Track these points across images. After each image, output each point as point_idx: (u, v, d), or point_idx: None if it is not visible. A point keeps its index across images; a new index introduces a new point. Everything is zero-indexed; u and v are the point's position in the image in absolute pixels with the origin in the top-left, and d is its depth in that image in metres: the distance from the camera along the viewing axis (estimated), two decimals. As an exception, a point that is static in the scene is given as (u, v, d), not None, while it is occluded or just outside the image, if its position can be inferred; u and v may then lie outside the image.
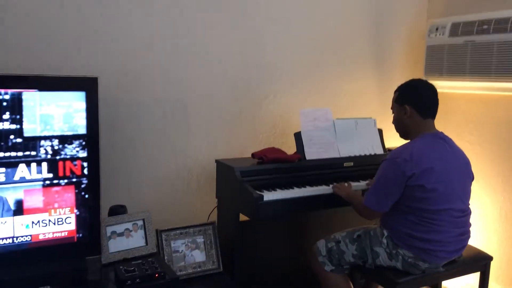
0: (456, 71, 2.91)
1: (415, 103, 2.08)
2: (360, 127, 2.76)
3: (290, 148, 2.73)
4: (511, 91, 2.67)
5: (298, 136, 2.58)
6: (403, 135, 2.20)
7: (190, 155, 2.62)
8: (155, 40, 2.46)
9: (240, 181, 2.30)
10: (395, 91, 2.20)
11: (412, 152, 1.97)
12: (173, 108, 2.54)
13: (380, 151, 2.78)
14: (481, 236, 2.83)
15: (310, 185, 2.43)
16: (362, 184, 2.53)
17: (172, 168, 2.58)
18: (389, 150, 2.87)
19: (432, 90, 2.11)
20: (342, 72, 3.07)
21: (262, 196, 2.21)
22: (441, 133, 2.10)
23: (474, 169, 2.17)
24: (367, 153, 2.74)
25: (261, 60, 2.77)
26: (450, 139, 2.11)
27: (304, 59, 2.92)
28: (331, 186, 2.39)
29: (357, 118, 2.78)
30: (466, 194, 2.08)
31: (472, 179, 2.14)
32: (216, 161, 2.51)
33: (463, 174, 2.07)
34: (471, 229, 2.13)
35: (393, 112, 2.21)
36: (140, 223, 2.16)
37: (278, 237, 2.63)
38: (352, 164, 2.66)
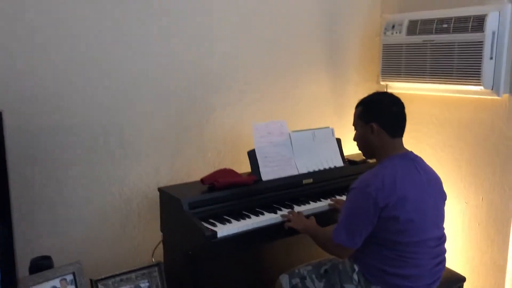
0: (416, 72, 2.72)
1: (382, 122, 1.84)
2: (318, 138, 2.52)
3: (243, 165, 2.45)
4: (474, 93, 2.51)
5: (252, 154, 2.29)
6: (368, 155, 1.97)
7: (127, 184, 2.26)
8: (78, 54, 2.06)
9: (189, 215, 1.99)
10: (358, 105, 1.95)
11: (384, 179, 1.74)
12: (106, 132, 2.17)
13: (339, 163, 2.56)
14: (447, 246, 2.69)
15: (269, 210, 2.15)
16: (323, 203, 2.29)
17: (107, 200, 2.21)
18: (349, 160, 2.66)
19: (400, 106, 1.88)
20: (296, 76, 2.80)
21: (215, 233, 1.91)
22: (411, 152, 1.89)
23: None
24: (327, 167, 2.51)
25: (207, 69, 2.44)
26: (420, 159, 1.90)
27: (254, 64, 2.62)
28: (279, 215, 2.11)
29: (314, 129, 2.53)
30: (441, 218, 1.89)
31: (445, 199, 1.95)
32: (159, 189, 2.18)
33: (436, 198, 1.87)
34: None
35: (356, 129, 1.96)
36: (69, 277, 1.80)
37: (236, 271, 2.33)
38: (311, 180, 2.42)
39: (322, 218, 2.19)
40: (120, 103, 2.18)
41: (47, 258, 1.83)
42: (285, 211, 2.15)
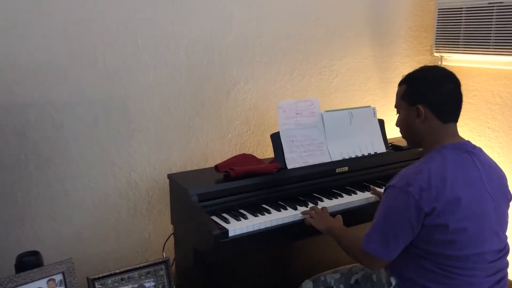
0: (477, 41, 2.28)
1: (431, 103, 1.47)
2: (356, 119, 2.16)
3: (269, 149, 2.15)
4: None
5: (275, 138, 1.97)
6: (413, 143, 1.60)
7: (135, 168, 2.01)
8: (72, 16, 1.79)
9: (197, 208, 1.71)
10: (402, 82, 1.57)
11: (431, 177, 1.37)
12: (108, 109, 1.91)
13: (381, 148, 2.19)
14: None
15: (292, 204, 1.84)
16: (360, 197, 1.94)
17: (112, 187, 1.98)
18: (392, 145, 2.28)
19: (455, 83, 1.49)
20: (333, 47, 2.42)
21: (225, 232, 1.63)
22: (467, 143, 1.50)
23: (498, 163, 1.57)
24: (366, 153, 2.15)
25: (227, 36, 2.12)
26: (480, 150, 1.51)
27: (284, 31, 2.26)
28: (299, 212, 1.79)
29: (351, 108, 2.16)
30: (503, 225, 1.51)
31: (510, 200, 1.56)
32: (169, 176, 1.91)
33: (499, 200, 1.48)
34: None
35: (398, 112, 1.60)
36: (58, 278, 1.58)
37: (252, 273, 2.03)
38: (346, 169, 2.07)
39: (357, 215, 1.87)
40: (122, 73, 1.91)
41: (35, 254, 1.61)
42: (310, 206, 1.83)
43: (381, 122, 2.23)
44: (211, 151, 2.16)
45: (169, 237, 2.01)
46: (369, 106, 2.22)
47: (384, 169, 2.16)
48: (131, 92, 1.93)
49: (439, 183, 1.37)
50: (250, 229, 1.69)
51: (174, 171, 2.07)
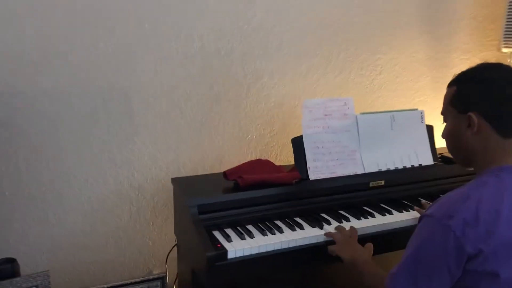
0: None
1: (488, 111, 1.12)
2: (399, 124, 1.81)
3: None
4: None
5: (297, 143, 1.68)
6: (461, 161, 1.26)
7: (139, 169, 1.79)
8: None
9: (195, 221, 1.46)
10: (452, 84, 1.24)
11: (480, 207, 1.04)
12: (109, 101, 1.70)
13: (428, 160, 1.84)
14: None
15: (312, 221, 1.55)
16: (397, 218, 1.61)
17: (112, 188, 1.77)
18: (442, 157, 1.92)
19: None
20: (377, 39, 2.08)
21: (224, 253, 1.36)
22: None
23: None
24: (408, 165, 1.81)
25: (249, 22, 1.84)
26: None
27: (317, 19, 1.95)
28: (319, 233, 1.49)
29: (393, 111, 1.82)
30: None
31: None
32: (173, 180, 1.68)
33: None
34: None
35: (445, 120, 1.26)
36: (31, 292, 1.39)
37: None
38: (383, 183, 1.74)
39: (390, 240, 1.55)
40: (125, 61, 1.69)
41: (11, 262, 1.43)
42: (333, 226, 1.53)
43: (430, 129, 1.87)
44: (226, 153, 1.90)
45: (172, 248, 1.78)
46: (416, 109, 1.86)
47: (430, 186, 1.81)
48: (135, 83, 1.71)
49: (490, 216, 1.03)
50: (255, 251, 1.41)
51: (183, 173, 1.83)
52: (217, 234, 1.47)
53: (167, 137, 1.80)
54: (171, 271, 1.84)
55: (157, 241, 1.88)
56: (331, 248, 1.43)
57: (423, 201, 1.66)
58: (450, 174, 1.85)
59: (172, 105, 1.78)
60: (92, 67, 1.65)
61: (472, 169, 1.22)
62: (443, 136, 1.27)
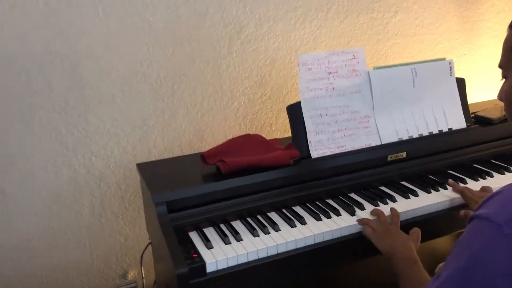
0: None
1: None
2: (422, 79, 1.43)
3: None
4: None
5: (294, 111, 1.30)
6: None
7: (97, 152, 1.43)
8: None
9: (163, 224, 1.12)
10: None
11: None
12: (49, 69, 1.31)
13: (460, 122, 1.47)
14: None
15: (316, 213, 1.20)
16: (427, 199, 1.26)
17: (65, 178, 1.41)
18: (476, 117, 1.55)
19: None
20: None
21: (201, 267, 1.03)
22: None
23: None
24: (435, 131, 1.44)
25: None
26: None
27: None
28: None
29: (415, 63, 1.43)
30: None
31: None
32: (138, 166, 1.32)
33: None
34: None
35: (505, 75, 0.88)
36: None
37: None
38: (404, 155, 1.38)
39: (428, 226, 1.22)
40: (67, 17, 1.29)
41: None
42: (343, 218, 1.19)
43: (461, 83, 1.49)
44: (208, 126, 1.53)
45: (146, 247, 1.45)
46: (444, 59, 1.47)
47: (462, 154, 1.45)
48: (82, 46, 1.32)
49: None
50: (243, 260, 1.08)
51: (154, 155, 1.48)
52: (194, 236, 1.14)
53: (129, 110, 1.43)
54: (149, 272, 1.52)
55: (130, 236, 1.55)
56: (367, 231, 1.11)
57: (451, 181, 1.30)
58: (488, 138, 1.49)
59: (132, 70, 1.39)
60: (23, 24, 1.25)
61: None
62: (502, 97, 0.89)
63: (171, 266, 1.02)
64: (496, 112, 1.55)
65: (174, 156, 1.43)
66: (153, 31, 1.38)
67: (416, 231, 1.13)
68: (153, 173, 1.27)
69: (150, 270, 1.55)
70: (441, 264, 1.37)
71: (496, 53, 1.82)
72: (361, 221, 1.16)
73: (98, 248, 1.52)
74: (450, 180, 1.30)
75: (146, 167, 1.31)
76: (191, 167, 1.29)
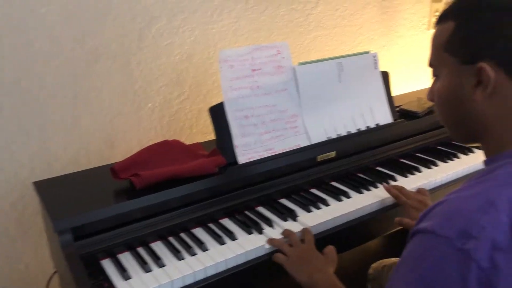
0: None
1: (510, 57, 0.71)
2: (348, 74, 1.37)
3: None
4: None
5: (217, 113, 1.17)
6: (463, 136, 0.83)
7: (-16, 170, 1.21)
8: None
9: (68, 254, 0.94)
10: (446, 17, 0.78)
11: (499, 207, 0.63)
12: None
13: (386, 117, 1.43)
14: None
15: (244, 226, 1.09)
16: (356, 202, 1.20)
17: None
18: (401, 111, 1.53)
19: None
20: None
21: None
22: None
23: None
24: (363, 127, 1.38)
25: None
26: None
27: None
28: (265, 241, 1.05)
29: (340, 57, 1.36)
30: None
31: None
32: (35, 185, 1.12)
33: None
34: None
35: (435, 74, 0.81)
36: None
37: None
38: (334, 154, 1.31)
39: (349, 235, 1.15)
40: None
41: None
42: (276, 229, 1.09)
43: (385, 76, 1.45)
44: (119, 132, 1.35)
45: (51, 276, 1.25)
46: (367, 52, 1.42)
47: (389, 149, 1.42)
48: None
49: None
50: (167, 288, 0.94)
51: (56, 169, 1.27)
52: (107, 265, 0.98)
53: (21, 118, 1.21)
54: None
55: (33, 263, 1.34)
56: (278, 258, 1.00)
57: (385, 185, 1.24)
58: (415, 132, 1.47)
59: (20, 71, 1.17)
60: None
61: (479, 145, 0.80)
62: (433, 98, 0.82)
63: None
64: (420, 105, 1.54)
65: (81, 169, 1.24)
66: (46, 25, 1.17)
67: (331, 250, 1.03)
68: (55, 193, 1.08)
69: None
70: (374, 265, 1.33)
71: (413, 43, 1.82)
72: (272, 244, 1.04)
73: (-7, 282, 1.29)
74: (385, 185, 1.24)
75: (45, 185, 1.11)
76: (100, 183, 1.12)
